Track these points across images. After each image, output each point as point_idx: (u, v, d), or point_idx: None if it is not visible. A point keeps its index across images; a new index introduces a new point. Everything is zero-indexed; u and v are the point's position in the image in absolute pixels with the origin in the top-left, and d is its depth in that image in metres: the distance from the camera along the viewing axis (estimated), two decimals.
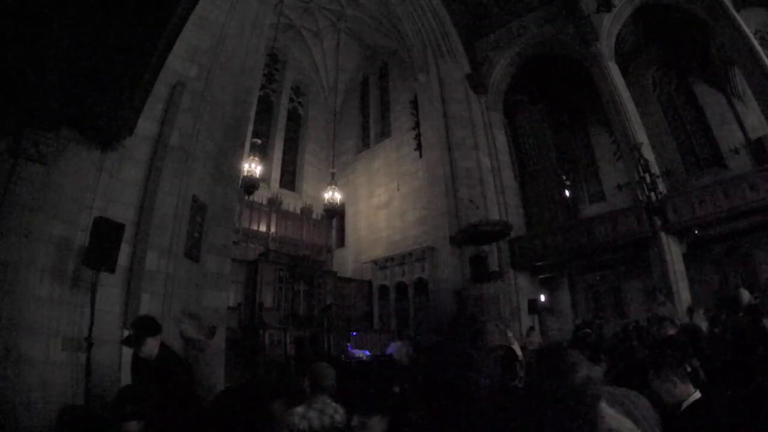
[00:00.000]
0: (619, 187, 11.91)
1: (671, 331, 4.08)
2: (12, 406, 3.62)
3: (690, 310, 8.36)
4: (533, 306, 11.47)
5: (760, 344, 3.34)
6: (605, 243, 11.17)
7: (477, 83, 14.40)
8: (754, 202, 9.11)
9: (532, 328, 10.20)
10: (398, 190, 15.87)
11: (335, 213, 14.49)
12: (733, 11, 9.89)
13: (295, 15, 16.71)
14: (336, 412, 2.47)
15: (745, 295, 6.18)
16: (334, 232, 16.79)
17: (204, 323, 3.15)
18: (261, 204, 14.35)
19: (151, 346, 2.98)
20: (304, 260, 12.82)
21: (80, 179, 4.69)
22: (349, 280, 14.64)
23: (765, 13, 11.10)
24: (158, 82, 4.56)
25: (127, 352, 4.72)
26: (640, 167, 10.07)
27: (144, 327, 3.04)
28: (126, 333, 4.81)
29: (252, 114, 13.13)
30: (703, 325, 5.69)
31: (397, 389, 3.82)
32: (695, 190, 10.34)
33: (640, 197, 10.20)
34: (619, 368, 3.57)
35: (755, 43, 9.56)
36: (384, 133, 17.82)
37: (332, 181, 14.15)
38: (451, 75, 14.45)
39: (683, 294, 9.58)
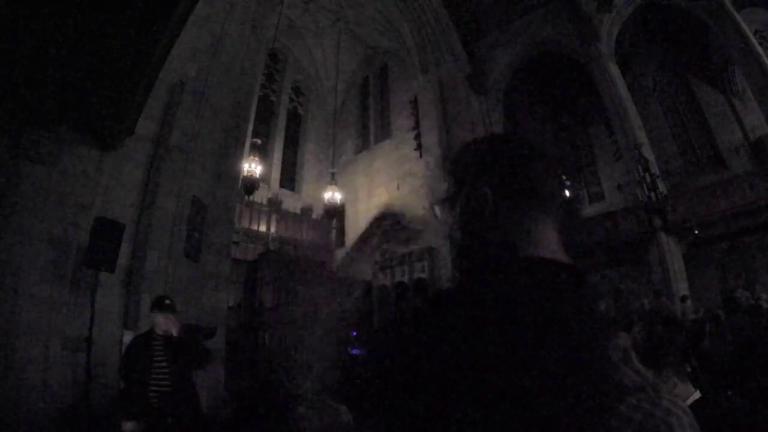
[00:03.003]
0: (619, 187, 11.90)
1: None
2: (12, 406, 3.62)
3: (684, 299, 8.45)
4: None
5: (760, 344, 3.34)
6: (605, 243, 11.17)
7: (477, 83, 14.37)
8: (754, 202, 9.11)
9: None
10: (398, 190, 15.84)
11: (335, 213, 14.47)
12: (733, 11, 9.88)
13: (295, 15, 16.69)
14: (336, 411, 2.46)
15: (744, 296, 6.18)
16: (334, 232, 16.77)
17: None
18: (261, 204, 14.32)
19: (161, 322, 3.16)
20: (304, 260, 12.81)
21: (80, 179, 4.69)
22: (349, 280, 14.63)
23: (765, 13, 11.11)
24: (158, 82, 4.56)
25: None
26: (640, 167, 10.07)
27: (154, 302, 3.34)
28: (125, 333, 4.85)
29: (252, 114, 13.12)
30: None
31: None
32: (695, 190, 10.34)
33: (640, 197, 10.19)
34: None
35: (755, 43, 9.56)
36: (384, 134, 17.80)
37: (332, 181, 14.12)
38: (451, 75, 14.43)
39: (683, 294, 9.56)
